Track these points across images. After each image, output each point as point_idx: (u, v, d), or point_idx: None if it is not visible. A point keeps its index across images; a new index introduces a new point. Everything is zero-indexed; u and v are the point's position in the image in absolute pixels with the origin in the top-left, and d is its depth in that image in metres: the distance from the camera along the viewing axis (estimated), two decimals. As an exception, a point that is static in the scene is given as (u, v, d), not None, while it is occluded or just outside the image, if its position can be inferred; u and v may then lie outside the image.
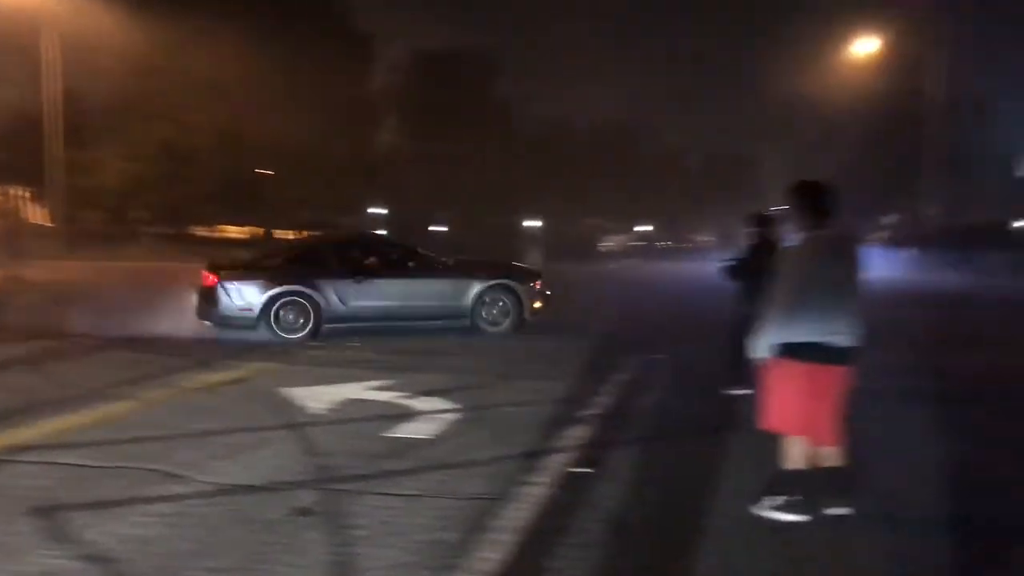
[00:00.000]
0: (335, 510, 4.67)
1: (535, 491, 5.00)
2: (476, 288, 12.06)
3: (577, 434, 6.33)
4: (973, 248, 29.96)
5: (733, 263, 7.80)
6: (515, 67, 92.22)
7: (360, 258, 11.88)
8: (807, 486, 4.51)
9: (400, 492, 4.97)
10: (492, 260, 14.24)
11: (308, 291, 11.29)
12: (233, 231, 48.62)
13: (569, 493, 4.99)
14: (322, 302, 11.34)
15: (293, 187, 44.22)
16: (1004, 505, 5.02)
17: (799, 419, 4.44)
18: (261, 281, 11.26)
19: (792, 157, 62.47)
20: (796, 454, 4.53)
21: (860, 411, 4.83)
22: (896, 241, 31.29)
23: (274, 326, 11.17)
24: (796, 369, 4.38)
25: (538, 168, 56.03)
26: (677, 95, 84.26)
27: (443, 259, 12.40)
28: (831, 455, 4.50)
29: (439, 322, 12.02)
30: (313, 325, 11.28)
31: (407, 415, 6.86)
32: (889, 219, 46.31)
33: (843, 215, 4.56)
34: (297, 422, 6.58)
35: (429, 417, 6.80)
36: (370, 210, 50.67)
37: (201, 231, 46.11)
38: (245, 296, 11.19)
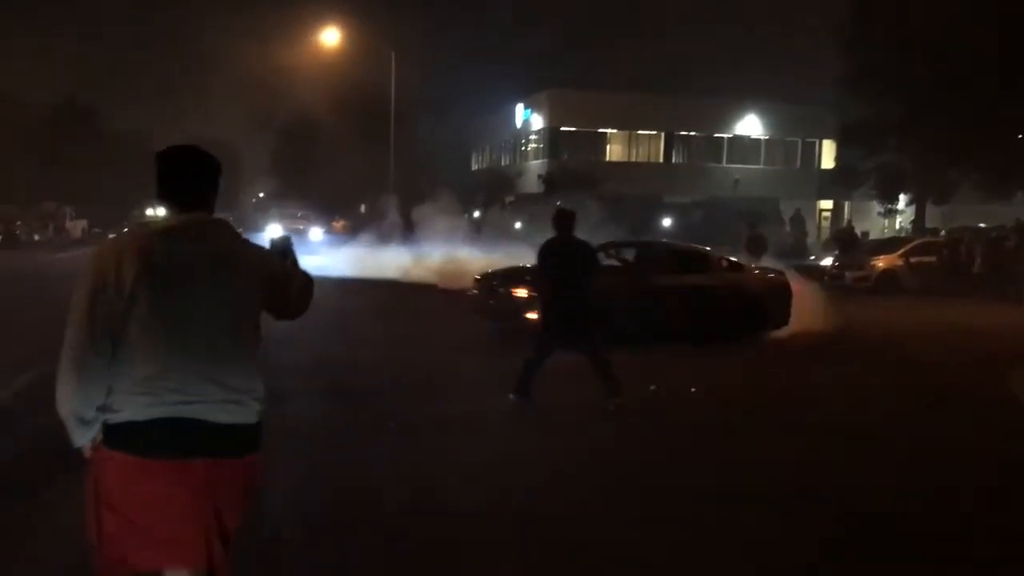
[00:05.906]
0: None
1: None
2: None
3: None
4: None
5: None
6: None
7: None
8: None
9: None
10: None
11: None
12: None
13: None
14: None
15: None
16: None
17: (124, 537, 2.46)
18: None
19: (272, 142, 61.66)
20: None
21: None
22: (353, 230, 31.46)
23: None
24: (115, 463, 2.46)
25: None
26: (136, 74, 77.15)
27: None
28: None
29: None
30: None
31: None
32: (364, 209, 48.00)
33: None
34: None
35: None
36: None
37: None
38: None
